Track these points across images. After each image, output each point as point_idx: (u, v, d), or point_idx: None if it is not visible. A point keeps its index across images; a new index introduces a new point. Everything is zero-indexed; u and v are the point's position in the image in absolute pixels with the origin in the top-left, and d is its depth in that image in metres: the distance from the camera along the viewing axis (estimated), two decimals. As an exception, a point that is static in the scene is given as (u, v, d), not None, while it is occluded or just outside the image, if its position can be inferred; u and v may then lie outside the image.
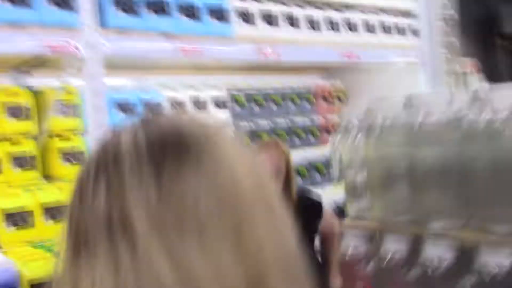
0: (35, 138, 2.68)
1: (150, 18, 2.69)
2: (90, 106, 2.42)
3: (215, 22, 2.96)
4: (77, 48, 2.35)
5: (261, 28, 3.17)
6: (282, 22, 3.30)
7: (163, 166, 0.51)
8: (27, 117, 2.63)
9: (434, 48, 2.35)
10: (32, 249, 2.34)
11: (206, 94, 3.50)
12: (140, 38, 2.66)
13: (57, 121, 2.74)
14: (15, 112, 2.58)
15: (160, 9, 2.73)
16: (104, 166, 0.53)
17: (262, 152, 2.22)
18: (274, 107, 3.69)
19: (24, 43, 2.29)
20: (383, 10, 3.85)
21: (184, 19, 2.83)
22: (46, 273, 2.12)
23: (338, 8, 3.58)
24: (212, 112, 3.57)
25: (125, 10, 2.59)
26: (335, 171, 3.24)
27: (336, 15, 3.55)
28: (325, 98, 4.00)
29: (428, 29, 2.37)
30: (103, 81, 2.45)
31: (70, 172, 2.70)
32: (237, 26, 3.06)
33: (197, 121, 0.58)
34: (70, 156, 2.79)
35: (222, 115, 3.62)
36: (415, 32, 3.25)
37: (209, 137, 0.55)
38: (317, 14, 3.48)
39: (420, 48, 2.45)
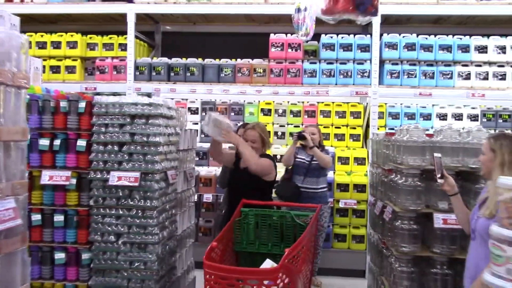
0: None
1: (405, 79, 6.36)
2: (375, 113, 6.36)
3: (442, 79, 6.30)
4: (367, 93, 6.36)
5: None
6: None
7: None
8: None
9: None
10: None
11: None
12: (399, 89, 6.38)
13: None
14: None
15: (410, 75, 6.34)
16: None
17: (253, 128, 4.52)
18: None
19: (350, 92, 6.47)
20: None
21: (424, 79, 6.33)
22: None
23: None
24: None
25: (392, 76, 6.37)
26: None
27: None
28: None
29: None
30: (377, 106, 6.33)
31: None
32: (457, 81, 6.27)
33: None
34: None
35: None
36: None
37: None
38: None
39: None
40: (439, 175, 3.23)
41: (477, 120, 6.82)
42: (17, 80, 1.98)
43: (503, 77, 6.32)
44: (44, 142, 3.87)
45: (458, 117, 6.85)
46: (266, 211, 4.14)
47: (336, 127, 6.96)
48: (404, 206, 3.69)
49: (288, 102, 7.10)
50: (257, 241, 4.14)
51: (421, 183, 3.68)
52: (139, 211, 3.87)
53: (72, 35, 6.96)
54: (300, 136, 5.52)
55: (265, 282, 3.29)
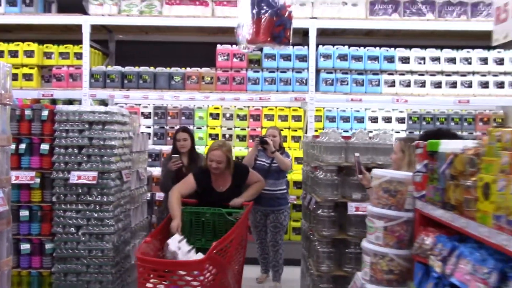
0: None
1: (338, 87, 7.17)
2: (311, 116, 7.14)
3: (371, 87, 7.15)
4: (304, 99, 7.13)
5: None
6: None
7: None
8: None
9: None
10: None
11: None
12: (333, 95, 7.18)
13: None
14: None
15: (343, 83, 7.16)
16: None
17: (219, 148, 4.52)
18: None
19: (289, 98, 7.22)
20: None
21: (355, 86, 7.16)
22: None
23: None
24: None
25: (327, 83, 7.17)
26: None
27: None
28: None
29: None
30: (313, 111, 7.12)
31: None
32: (384, 88, 7.13)
33: None
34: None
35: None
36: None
37: None
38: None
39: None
40: (358, 172, 3.99)
41: (404, 123, 7.71)
42: (4, 99, 2.59)
43: (423, 84, 7.22)
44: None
45: (387, 120, 7.72)
46: (199, 208, 4.48)
47: (279, 130, 7.71)
48: (324, 197, 4.44)
49: (235, 106, 7.80)
50: (192, 237, 4.44)
51: (338, 178, 4.45)
52: (97, 206, 4.49)
53: (29, 44, 7.43)
54: (263, 141, 5.73)
55: (195, 272, 3.62)
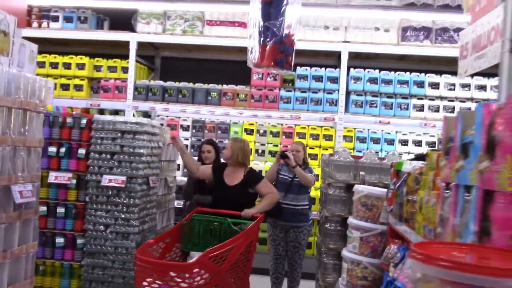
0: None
1: (367, 109, 7.45)
2: (340, 136, 7.46)
3: (399, 110, 7.38)
4: (334, 119, 7.46)
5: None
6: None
7: None
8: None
9: None
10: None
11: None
12: (362, 116, 7.47)
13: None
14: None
15: (372, 105, 7.44)
16: None
17: (228, 142, 5.37)
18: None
19: (319, 118, 7.57)
20: None
21: (384, 109, 7.41)
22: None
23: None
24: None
25: (356, 105, 7.47)
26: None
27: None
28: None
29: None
30: (342, 131, 7.42)
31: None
32: (412, 112, 7.35)
33: None
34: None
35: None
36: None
37: None
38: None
39: None
40: None
41: (435, 147, 7.86)
42: (38, 108, 3.11)
43: (452, 110, 7.39)
44: (52, 149, 5.02)
45: (417, 143, 7.90)
46: (207, 217, 4.75)
47: (310, 148, 8.04)
48: (332, 212, 4.76)
49: (269, 123, 8.21)
50: (201, 243, 4.70)
51: (346, 194, 4.76)
52: (124, 207, 4.98)
53: (81, 58, 8.15)
54: (283, 155, 5.74)
55: (186, 275, 3.80)
